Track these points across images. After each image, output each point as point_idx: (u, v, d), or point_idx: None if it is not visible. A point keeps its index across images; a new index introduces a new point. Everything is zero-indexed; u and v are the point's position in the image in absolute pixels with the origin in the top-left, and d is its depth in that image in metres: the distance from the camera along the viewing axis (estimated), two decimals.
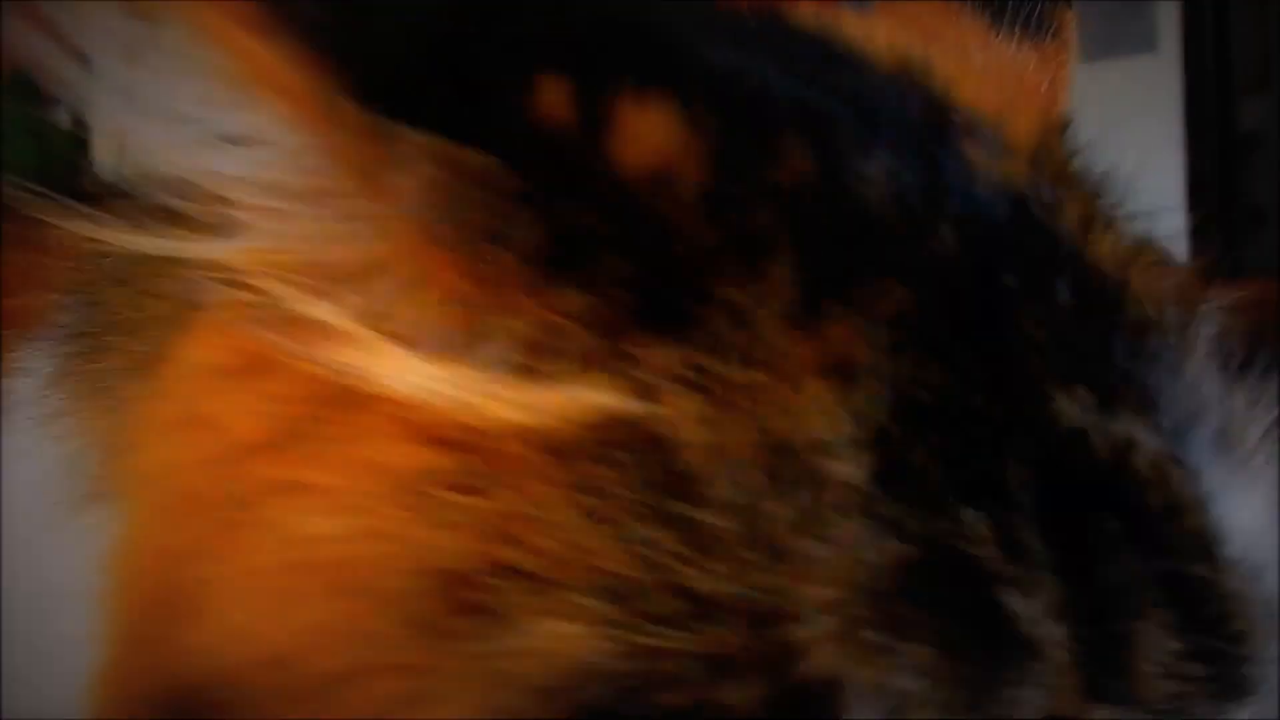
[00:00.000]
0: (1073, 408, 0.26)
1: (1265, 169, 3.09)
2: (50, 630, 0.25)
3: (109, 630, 0.20)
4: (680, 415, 0.21)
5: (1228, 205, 3.21)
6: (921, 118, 0.30)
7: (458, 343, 0.20)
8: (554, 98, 0.22)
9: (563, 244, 0.21)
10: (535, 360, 0.20)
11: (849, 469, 0.22)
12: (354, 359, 0.20)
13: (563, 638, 0.19)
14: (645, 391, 0.21)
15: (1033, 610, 0.21)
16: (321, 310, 0.20)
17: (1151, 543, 0.24)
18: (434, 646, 0.19)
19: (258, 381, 0.20)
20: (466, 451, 0.20)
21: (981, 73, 0.32)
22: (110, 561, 0.20)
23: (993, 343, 0.26)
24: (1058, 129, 0.34)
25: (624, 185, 0.22)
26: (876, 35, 0.34)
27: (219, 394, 0.20)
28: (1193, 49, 3.15)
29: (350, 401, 0.20)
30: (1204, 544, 0.26)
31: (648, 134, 0.23)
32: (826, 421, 0.21)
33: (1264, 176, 3.10)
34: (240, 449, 0.20)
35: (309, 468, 0.20)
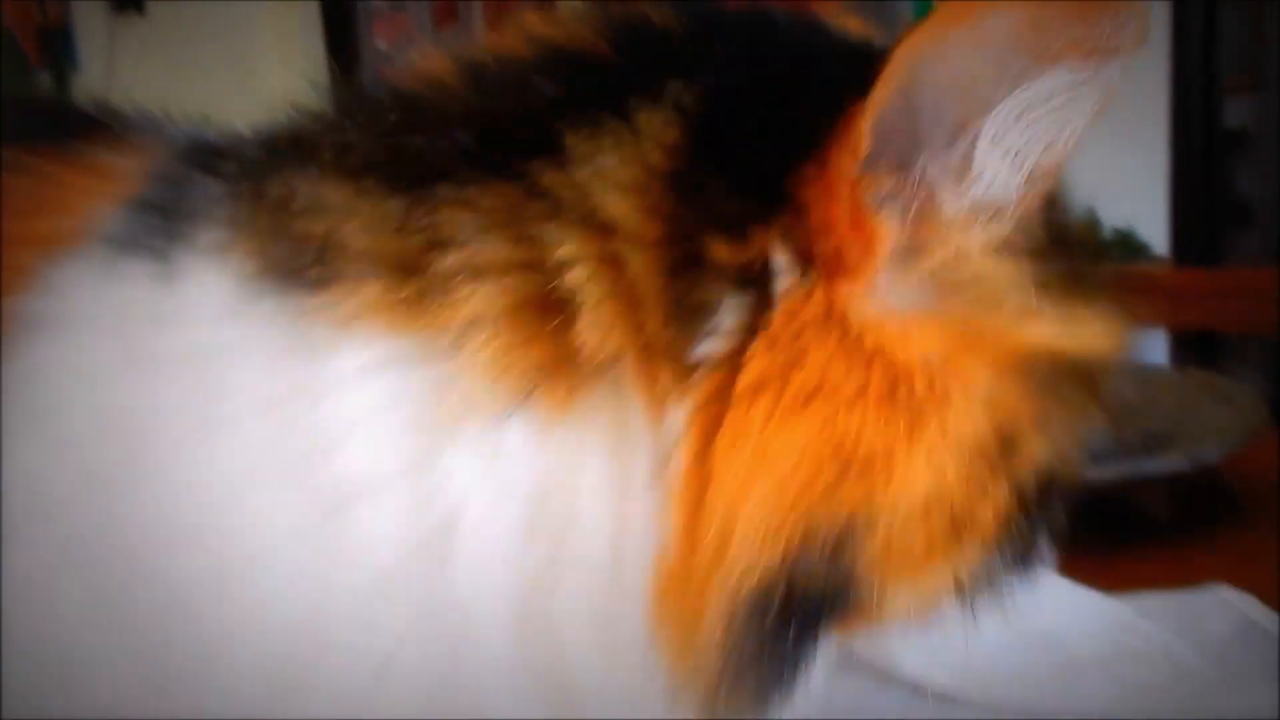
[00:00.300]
0: None
1: (1254, 166, 3.11)
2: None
3: (764, 495, 0.28)
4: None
5: (1211, 199, 3.23)
6: None
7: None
8: None
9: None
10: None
11: None
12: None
13: (1039, 454, 0.33)
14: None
15: None
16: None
17: None
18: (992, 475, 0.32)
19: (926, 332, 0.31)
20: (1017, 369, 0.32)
21: None
22: (758, 452, 0.28)
23: None
24: None
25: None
26: None
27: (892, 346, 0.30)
28: (1181, 45, 3.17)
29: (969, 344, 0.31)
30: None
31: None
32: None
33: (1253, 173, 3.12)
34: (901, 376, 0.30)
35: (956, 383, 0.31)
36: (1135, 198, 3.31)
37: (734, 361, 0.28)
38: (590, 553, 0.29)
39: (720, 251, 0.28)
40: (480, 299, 0.28)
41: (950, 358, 0.30)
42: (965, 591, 0.35)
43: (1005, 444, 0.31)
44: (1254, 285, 1.45)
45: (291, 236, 0.31)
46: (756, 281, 0.28)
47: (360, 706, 0.30)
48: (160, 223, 0.34)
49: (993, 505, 0.32)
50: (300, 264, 0.30)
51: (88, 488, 0.31)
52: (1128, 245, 3.12)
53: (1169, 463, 0.82)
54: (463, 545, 0.29)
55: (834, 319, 0.29)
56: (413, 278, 0.29)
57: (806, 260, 0.29)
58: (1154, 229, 3.24)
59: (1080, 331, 0.33)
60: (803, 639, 0.30)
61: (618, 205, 0.28)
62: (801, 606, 0.29)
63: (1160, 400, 1.00)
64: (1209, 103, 3.20)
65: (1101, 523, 0.90)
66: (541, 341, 0.28)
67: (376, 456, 0.29)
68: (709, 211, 0.28)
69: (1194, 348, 2.94)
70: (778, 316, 0.28)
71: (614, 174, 0.28)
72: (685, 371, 0.28)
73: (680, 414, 0.28)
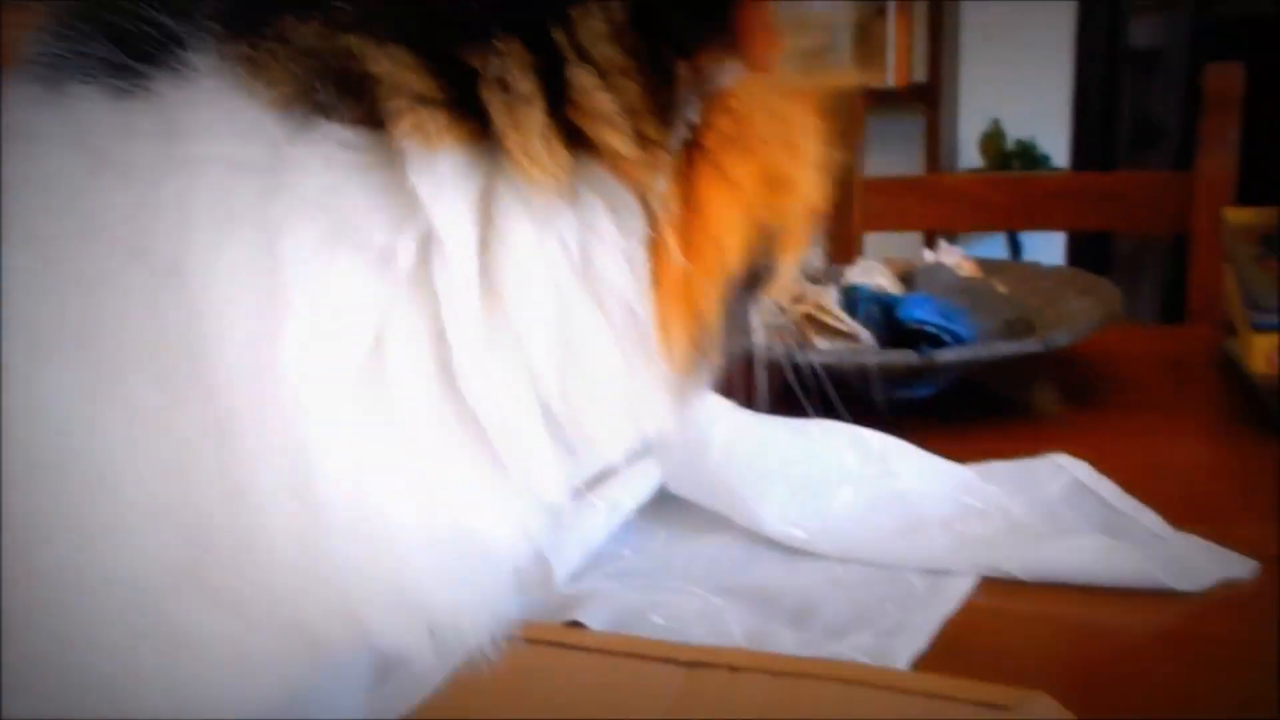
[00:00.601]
0: None
1: (1164, 86, 3.18)
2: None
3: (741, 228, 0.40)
4: None
5: (1111, 116, 3.31)
6: None
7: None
8: None
9: None
10: None
11: None
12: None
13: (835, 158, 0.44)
14: None
15: None
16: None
17: None
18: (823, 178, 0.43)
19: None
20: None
21: None
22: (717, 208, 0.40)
23: None
24: None
25: None
26: None
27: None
28: None
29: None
30: None
31: None
32: None
33: (1162, 93, 3.19)
34: (790, 124, 0.42)
35: (809, 123, 0.43)
36: (1039, 112, 3.38)
37: (702, 132, 0.39)
38: (613, 293, 0.39)
39: (685, 70, 0.39)
40: (530, 122, 0.37)
41: (804, 108, 0.43)
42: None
43: (827, 156, 0.44)
44: (1148, 187, 1.51)
45: (337, 75, 0.36)
46: (712, 82, 0.40)
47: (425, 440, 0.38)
48: (109, 48, 0.36)
49: (822, 197, 0.44)
50: (350, 98, 0.36)
51: (66, 282, 0.34)
52: (1028, 156, 3.20)
53: (1023, 345, 0.87)
54: (517, 304, 0.38)
55: (760, 94, 0.41)
56: (467, 108, 0.36)
57: (743, 64, 0.40)
58: (1056, 143, 3.32)
59: (844, 74, 0.45)
60: (747, 311, 0.44)
61: (605, 52, 0.38)
62: (748, 288, 0.42)
63: (1028, 292, 1.06)
64: (1115, 22, 3.26)
65: (961, 402, 0.97)
66: (577, 148, 0.38)
67: (456, 237, 0.36)
68: (674, 45, 0.39)
69: (1091, 250, 3.05)
70: (729, 98, 0.40)
71: (599, 31, 0.38)
72: (671, 150, 0.39)
73: (669, 177, 0.39)
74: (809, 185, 0.43)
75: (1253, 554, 0.64)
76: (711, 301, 0.41)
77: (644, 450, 0.78)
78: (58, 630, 0.33)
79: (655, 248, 0.39)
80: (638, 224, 0.39)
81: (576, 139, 0.38)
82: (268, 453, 0.35)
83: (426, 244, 0.36)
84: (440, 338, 0.37)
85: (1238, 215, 0.98)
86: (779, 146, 0.42)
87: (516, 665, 0.60)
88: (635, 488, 0.74)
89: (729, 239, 0.40)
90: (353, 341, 0.36)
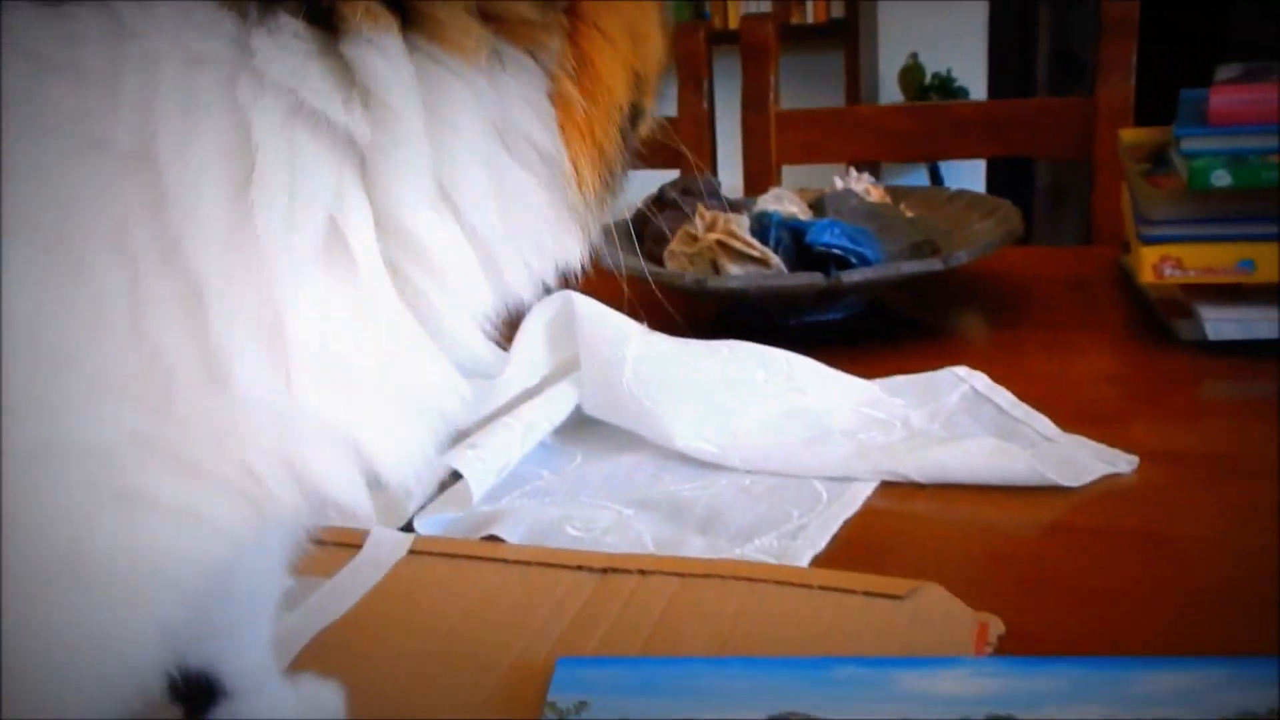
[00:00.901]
0: None
1: (1083, 18, 3.22)
2: None
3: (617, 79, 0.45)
4: None
5: (1028, 48, 3.35)
6: None
7: None
8: None
9: None
10: None
11: None
12: None
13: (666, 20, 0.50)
14: None
15: None
16: None
17: None
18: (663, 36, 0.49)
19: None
20: None
21: None
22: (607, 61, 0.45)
23: None
24: None
25: None
26: None
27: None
28: None
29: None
30: None
31: None
32: None
33: (1082, 25, 3.23)
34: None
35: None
36: (957, 46, 3.42)
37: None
38: (532, 145, 0.43)
39: None
40: (448, 10, 0.41)
41: None
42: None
43: (662, 24, 0.49)
44: (1054, 113, 1.54)
45: None
46: None
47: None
48: None
49: (664, 49, 0.50)
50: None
51: (23, 179, 0.36)
52: (947, 89, 3.23)
53: (925, 264, 0.90)
54: (458, 166, 0.41)
55: None
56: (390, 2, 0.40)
57: None
58: (974, 77, 3.36)
59: None
60: (631, 146, 0.48)
61: None
62: (629, 124, 0.47)
63: (934, 216, 1.09)
64: None
65: (871, 325, 1.00)
66: (496, 23, 0.42)
67: (406, 110, 0.40)
68: None
69: (1011, 179, 3.10)
70: None
71: None
72: (561, 11, 0.44)
73: (562, 37, 0.44)
74: (657, 39, 0.48)
75: (1136, 451, 0.67)
76: (611, 137, 0.45)
77: (563, 370, 0.80)
78: (20, 499, 0.35)
79: (558, 99, 0.44)
80: (541, 81, 0.43)
81: (480, 17, 0.42)
82: (239, 314, 0.37)
83: (376, 120, 0.39)
84: (391, 206, 0.40)
85: (1130, 135, 1.01)
86: (634, 7, 0.46)
87: (436, 578, 0.63)
88: (551, 410, 0.76)
89: (615, 82, 0.45)
90: (317, 209, 0.39)
